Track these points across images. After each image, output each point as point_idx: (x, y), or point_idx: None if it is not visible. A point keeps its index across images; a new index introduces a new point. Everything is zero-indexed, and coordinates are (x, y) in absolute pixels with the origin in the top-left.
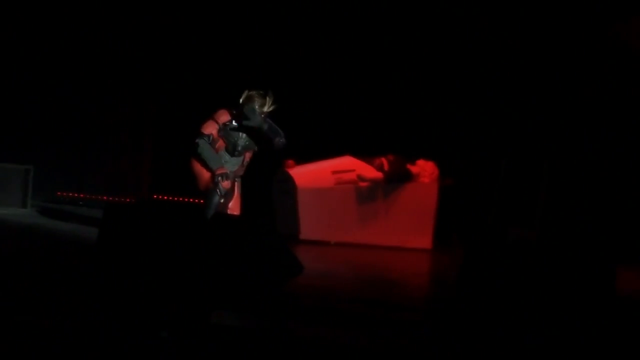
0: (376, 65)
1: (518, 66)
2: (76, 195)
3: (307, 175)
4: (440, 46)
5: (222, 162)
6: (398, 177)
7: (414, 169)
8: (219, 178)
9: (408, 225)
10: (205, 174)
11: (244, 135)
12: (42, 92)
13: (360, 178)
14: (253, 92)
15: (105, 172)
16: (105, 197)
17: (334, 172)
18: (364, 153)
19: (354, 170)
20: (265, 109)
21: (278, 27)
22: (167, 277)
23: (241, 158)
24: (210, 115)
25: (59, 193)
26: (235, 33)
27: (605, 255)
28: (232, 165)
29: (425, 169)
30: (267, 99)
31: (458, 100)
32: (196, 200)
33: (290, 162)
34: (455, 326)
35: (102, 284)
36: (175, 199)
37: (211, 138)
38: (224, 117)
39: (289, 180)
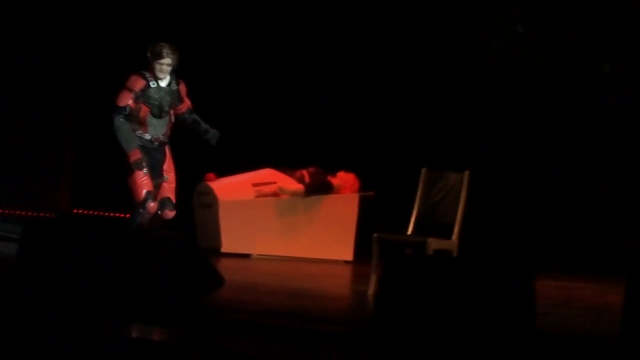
0: (295, 78)
1: (438, 75)
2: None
3: (227, 187)
4: (357, 56)
5: (136, 145)
6: (319, 189)
7: (334, 180)
8: (145, 199)
9: (329, 237)
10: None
11: (166, 93)
12: None
13: (281, 190)
14: (160, 45)
15: (23, 186)
16: (24, 212)
17: (255, 185)
18: (284, 165)
19: (274, 183)
20: (172, 61)
21: (199, 39)
22: (88, 292)
23: (167, 118)
24: (123, 85)
25: None
26: (157, 35)
27: (525, 265)
28: (160, 127)
29: (346, 181)
30: (172, 50)
31: (378, 110)
32: (118, 215)
33: (211, 175)
34: (378, 337)
35: (21, 300)
36: (97, 213)
37: (129, 109)
38: (138, 83)
39: (210, 193)
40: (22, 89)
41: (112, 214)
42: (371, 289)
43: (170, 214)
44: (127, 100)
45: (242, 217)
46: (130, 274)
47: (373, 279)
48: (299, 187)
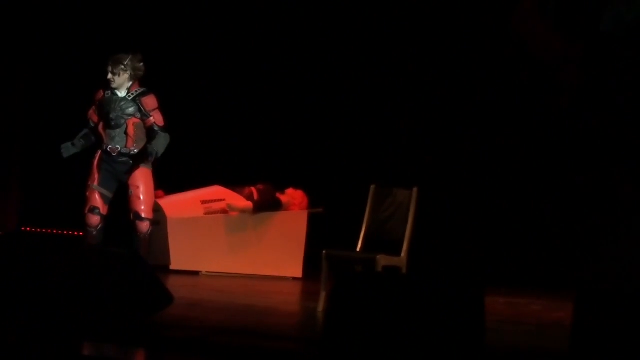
0: (244, 93)
1: (385, 90)
2: None
3: (176, 205)
4: (306, 71)
5: (71, 150)
6: (268, 206)
7: (283, 197)
8: (88, 213)
9: (278, 254)
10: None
11: (119, 103)
12: None
13: (230, 207)
14: (112, 57)
15: None
16: None
17: (204, 202)
18: (233, 182)
19: (223, 200)
20: (111, 75)
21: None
22: (36, 311)
23: (123, 128)
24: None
25: None
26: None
27: (474, 281)
28: (119, 138)
29: (294, 198)
30: (115, 63)
31: (326, 127)
32: (67, 232)
33: (159, 192)
34: (328, 354)
35: None
36: (46, 231)
37: (90, 122)
38: (98, 94)
39: (158, 210)
40: None
41: (61, 232)
42: (321, 306)
43: (142, 225)
44: (89, 112)
45: (190, 235)
46: (78, 291)
47: (323, 296)
48: (248, 204)
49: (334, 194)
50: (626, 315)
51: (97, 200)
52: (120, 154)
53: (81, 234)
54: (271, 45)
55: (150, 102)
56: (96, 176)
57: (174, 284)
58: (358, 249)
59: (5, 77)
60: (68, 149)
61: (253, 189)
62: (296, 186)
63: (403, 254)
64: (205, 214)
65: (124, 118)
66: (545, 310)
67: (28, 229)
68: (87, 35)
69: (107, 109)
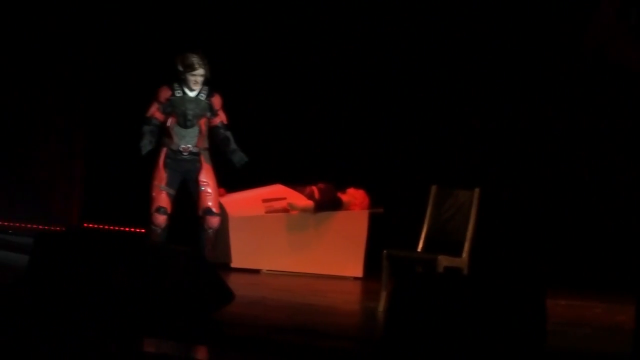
0: (306, 93)
1: (450, 91)
2: (4, 223)
3: (237, 203)
4: (368, 71)
5: (148, 147)
6: (329, 206)
7: (344, 197)
8: (155, 212)
9: (339, 253)
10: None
11: (192, 103)
12: None
13: (291, 206)
14: (191, 57)
15: (34, 199)
16: (34, 225)
17: (265, 201)
18: (294, 181)
19: (284, 199)
20: (205, 72)
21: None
22: (98, 306)
23: (196, 129)
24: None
25: None
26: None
27: (536, 283)
28: (190, 137)
29: (355, 197)
30: (203, 60)
31: (388, 127)
32: (129, 229)
33: (221, 190)
34: (388, 354)
35: (30, 315)
36: (108, 227)
37: (154, 120)
38: (164, 93)
39: (220, 208)
40: (33, 101)
41: (123, 228)
42: (381, 306)
43: (213, 220)
44: (152, 110)
45: (251, 233)
46: (140, 288)
47: (383, 296)
48: (309, 203)
49: (395, 194)
50: None
51: (164, 200)
52: (191, 152)
53: (143, 230)
54: (332, 44)
55: (218, 101)
56: (164, 176)
57: (234, 282)
58: (419, 249)
59: (67, 73)
60: (146, 146)
61: (314, 188)
62: (357, 186)
63: (464, 254)
64: (267, 212)
65: (198, 117)
66: (607, 313)
67: (90, 225)
68: (147, 33)
69: (183, 108)
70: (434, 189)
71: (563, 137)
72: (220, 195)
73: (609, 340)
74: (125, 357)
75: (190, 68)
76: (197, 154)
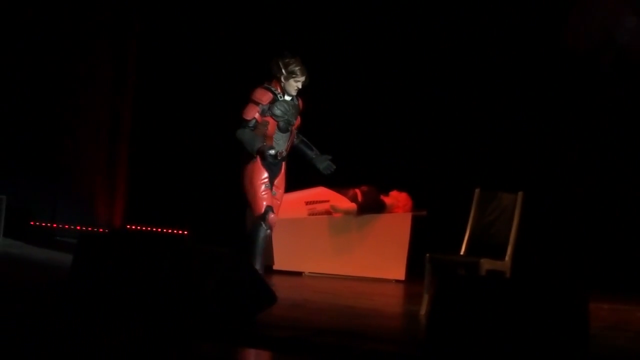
0: (349, 96)
1: (492, 95)
2: (49, 225)
3: (280, 205)
4: (411, 75)
5: (262, 141)
6: (371, 208)
7: (387, 199)
8: (266, 212)
9: (382, 256)
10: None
11: (292, 107)
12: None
13: (334, 209)
14: (289, 61)
15: (78, 201)
16: (79, 227)
17: (308, 203)
18: (337, 184)
19: (327, 201)
20: (306, 79)
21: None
22: (141, 310)
23: (289, 133)
24: (248, 99)
25: (32, 223)
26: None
27: (579, 287)
28: (283, 142)
29: (398, 200)
30: (303, 66)
31: (432, 129)
32: (172, 231)
33: None
34: (431, 357)
35: (74, 316)
36: (151, 229)
37: (255, 123)
38: (266, 96)
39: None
40: (75, 105)
41: (166, 230)
42: (423, 309)
43: (272, 217)
44: (254, 113)
45: (294, 235)
46: (183, 290)
47: (425, 299)
48: (352, 205)
49: (438, 197)
50: None
51: (271, 199)
52: (282, 157)
53: (186, 232)
54: (379, 48)
55: (301, 103)
56: (267, 176)
57: (277, 284)
58: (461, 252)
59: (113, 76)
60: (267, 148)
61: (357, 190)
62: (400, 188)
63: (507, 258)
64: (309, 214)
65: (294, 122)
66: None
67: (134, 227)
68: (195, 34)
69: (285, 113)
70: (477, 192)
71: (608, 139)
72: None
73: None
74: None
75: (294, 74)
76: (284, 159)
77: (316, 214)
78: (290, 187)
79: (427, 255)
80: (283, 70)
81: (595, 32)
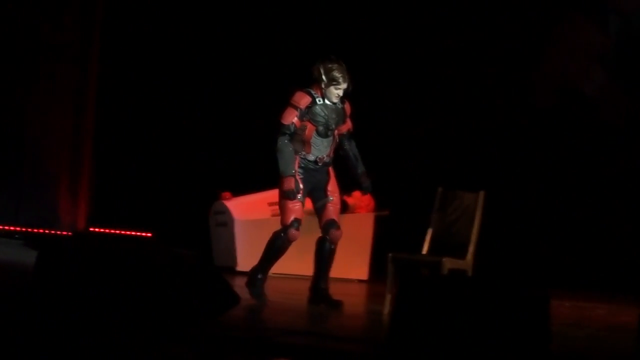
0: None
1: (454, 96)
2: (11, 227)
3: (243, 206)
4: (372, 75)
5: (292, 171)
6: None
7: (350, 200)
8: (290, 226)
9: (345, 256)
10: (286, 215)
11: (334, 112)
12: None
13: None
14: (332, 67)
15: (41, 204)
16: (41, 230)
17: (271, 204)
18: None
19: None
20: (348, 86)
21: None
22: (104, 311)
23: (332, 138)
24: (287, 102)
25: None
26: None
27: (540, 285)
28: (324, 147)
29: (361, 200)
30: (347, 72)
31: (393, 130)
32: (136, 233)
33: (227, 194)
34: (393, 356)
35: (36, 319)
36: (115, 232)
37: (293, 127)
38: (304, 100)
39: (226, 212)
40: (37, 105)
41: (129, 233)
42: (386, 308)
43: (337, 234)
44: (292, 117)
45: (257, 236)
46: (145, 292)
47: (388, 298)
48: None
49: (401, 197)
50: None
51: (300, 211)
52: (325, 163)
53: (149, 235)
54: (344, 48)
55: (349, 108)
56: (301, 186)
57: (240, 285)
58: (424, 252)
59: (77, 76)
60: (292, 170)
61: None
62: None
63: (469, 257)
64: (273, 215)
65: (337, 127)
66: (611, 314)
67: (97, 229)
68: (155, 35)
69: (326, 118)
70: (439, 191)
71: (568, 140)
72: (226, 198)
73: (613, 340)
74: None
75: (336, 82)
76: (328, 164)
77: (279, 215)
78: (253, 188)
79: (390, 255)
80: (324, 77)
81: (562, 86)
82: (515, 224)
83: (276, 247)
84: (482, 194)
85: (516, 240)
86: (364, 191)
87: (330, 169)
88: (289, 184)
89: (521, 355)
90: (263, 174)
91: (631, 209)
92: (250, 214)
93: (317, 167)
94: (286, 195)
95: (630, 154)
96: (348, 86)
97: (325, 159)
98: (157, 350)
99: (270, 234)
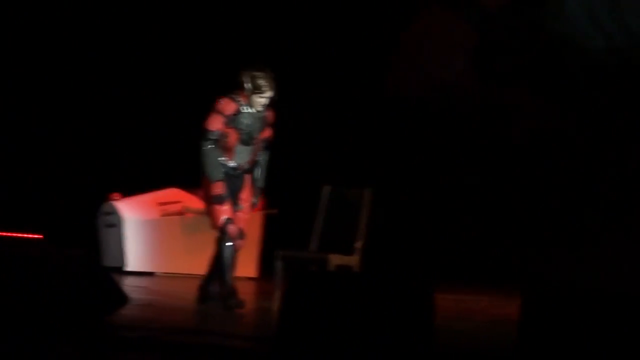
0: (193, 99)
1: (339, 94)
2: None
3: (133, 207)
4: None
5: (221, 176)
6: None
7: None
8: (225, 224)
9: None
10: (216, 217)
11: (256, 119)
12: None
13: (186, 209)
14: (257, 75)
15: None
16: None
17: (160, 204)
18: (190, 184)
19: (180, 202)
20: (273, 94)
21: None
22: None
23: (254, 145)
24: (212, 109)
25: None
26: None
27: (424, 279)
28: (246, 155)
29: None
30: (271, 80)
31: (279, 128)
32: (29, 235)
33: (116, 194)
34: (282, 353)
35: None
36: (6, 234)
37: (218, 134)
38: (229, 107)
39: (115, 212)
40: None
41: (19, 234)
42: (275, 305)
43: (240, 243)
44: (217, 124)
45: (147, 236)
46: (34, 292)
47: (277, 295)
48: (205, 206)
49: (289, 195)
50: (572, 313)
51: (229, 211)
52: (244, 170)
53: (40, 236)
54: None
55: (272, 116)
56: (224, 188)
57: (129, 285)
58: (311, 249)
59: None
60: (221, 175)
61: None
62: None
63: (356, 253)
64: (162, 215)
65: (259, 135)
66: (493, 306)
67: None
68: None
69: (249, 126)
70: (325, 189)
71: (448, 138)
72: (115, 199)
73: (495, 332)
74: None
75: (261, 91)
76: (247, 171)
77: (169, 215)
78: (142, 189)
79: (278, 252)
80: (249, 85)
81: (420, 77)
82: (401, 220)
83: (227, 256)
84: (368, 191)
85: (402, 236)
86: (254, 185)
87: (247, 177)
88: (218, 189)
89: (406, 348)
90: (152, 175)
91: (504, 203)
92: (139, 214)
93: (236, 173)
94: (215, 200)
95: (492, 144)
96: (274, 95)
97: (244, 166)
98: (47, 350)
99: (160, 234)
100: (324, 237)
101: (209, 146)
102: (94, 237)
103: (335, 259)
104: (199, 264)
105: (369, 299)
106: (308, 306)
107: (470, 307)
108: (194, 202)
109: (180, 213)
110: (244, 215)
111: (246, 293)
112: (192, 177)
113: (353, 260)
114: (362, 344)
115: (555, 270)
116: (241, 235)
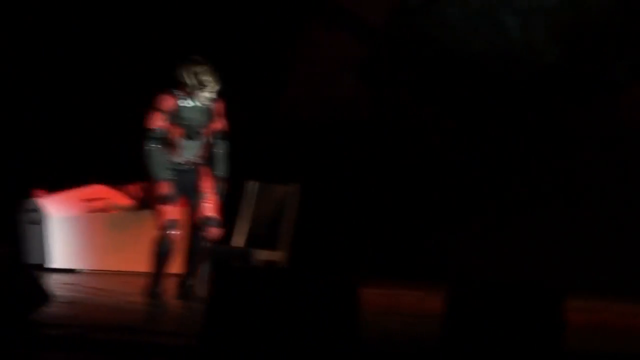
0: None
1: (252, 87)
2: None
3: (57, 203)
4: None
5: (167, 175)
6: (149, 204)
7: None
8: (168, 228)
9: None
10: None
11: (199, 113)
12: None
13: (112, 205)
14: (197, 70)
15: None
16: None
17: (85, 200)
18: (115, 180)
19: (105, 198)
20: (215, 89)
21: None
22: None
23: (202, 139)
24: (151, 106)
25: None
26: None
27: (350, 274)
28: (194, 149)
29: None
30: (213, 76)
31: None
32: None
33: (40, 191)
34: (208, 348)
35: None
36: None
37: (160, 131)
38: (168, 103)
39: (39, 209)
40: None
41: None
42: (203, 300)
43: (213, 231)
44: (158, 121)
45: (71, 233)
46: None
47: (204, 290)
48: (130, 202)
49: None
50: (493, 305)
51: (176, 212)
52: (193, 164)
53: None
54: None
55: (220, 107)
56: (170, 186)
57: (53, 283)
58: (237, 244)
59: None
60: (166, 174)
61: (137, 186)
62: None
63: (281, 248)
64: (88, 212)
65: (205, 128)
66: (419, 300)
67: None
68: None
69: (191, 120)
70: (251, 184)
71: (376, 133)
72: (39, 196)
73: (421, 326)
74: None
75: (205, 85)
76: (199, 164)
77: (94, 211)
78: (66, 185)
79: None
80: (191, 81)
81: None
82: (326, 216)
83: (161, 253)
84: (296, 186)
85: (327, 232)
86: (214, 176)
87: (202, 169)
88: (164, 188)
89: (332, 343)
90: (77, 172)
91: (427, 197)
92: (64, 211)
93: (186, 168)
94: (161, 200)
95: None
96: (219, 88)
97: (192, 160)
98: None
99: (85, 230)
100: (250, 232)
101: (152, 145)
102: (16, 234)
103: (262, 255)
104: (125, 261)
105: (294, 293)
106: (233, 301)
107: (397, 302)
108: (119, 199)
109: (105, 209)
110: (209, 204)
111: (172, 289)
112: (118, 173)
113: (279, 255)
114: (287, 338)
115: (472, 265)
116: (216, 223)
